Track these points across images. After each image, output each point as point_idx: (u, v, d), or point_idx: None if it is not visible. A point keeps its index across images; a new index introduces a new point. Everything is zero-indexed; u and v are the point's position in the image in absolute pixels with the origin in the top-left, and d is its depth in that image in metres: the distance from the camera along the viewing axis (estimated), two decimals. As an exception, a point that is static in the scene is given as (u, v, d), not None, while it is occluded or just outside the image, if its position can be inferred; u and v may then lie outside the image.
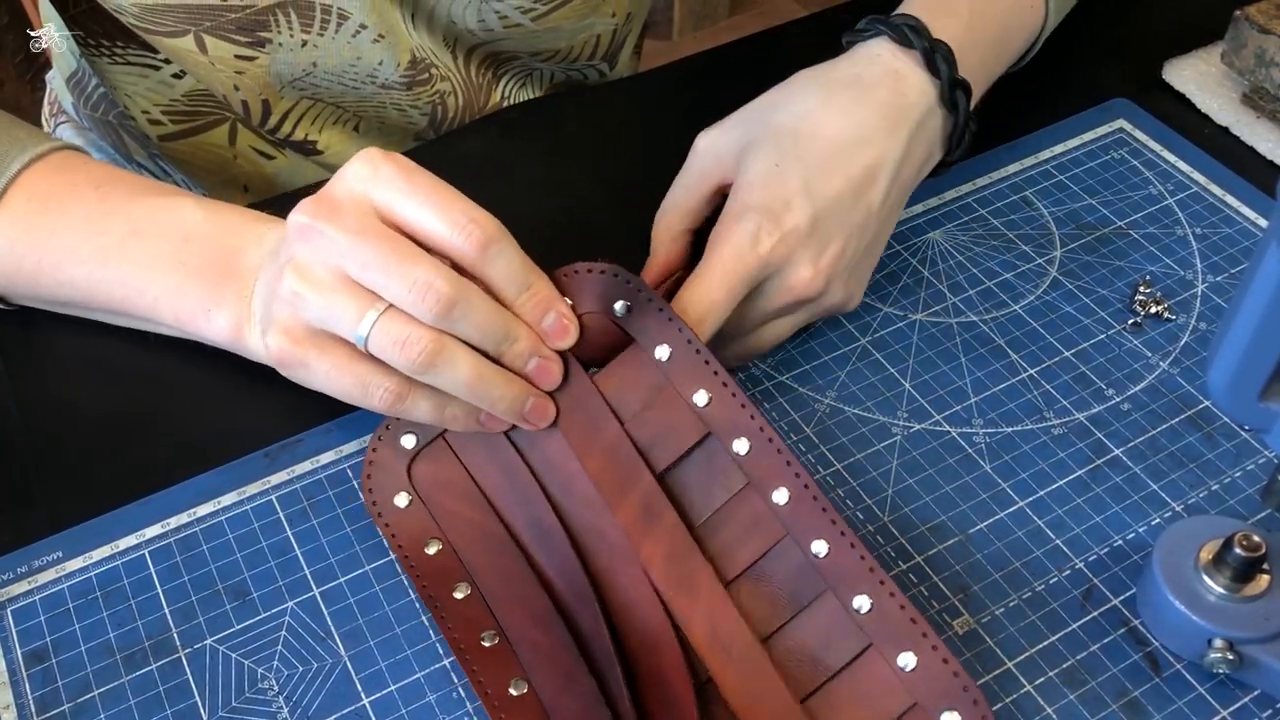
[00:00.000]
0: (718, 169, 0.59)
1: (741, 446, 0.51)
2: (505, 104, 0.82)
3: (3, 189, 0.58)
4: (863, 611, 0.47)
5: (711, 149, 0.59)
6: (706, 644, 0.49)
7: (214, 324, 0.57)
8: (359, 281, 0.48)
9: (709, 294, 0.54)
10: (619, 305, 0.53)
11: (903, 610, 0.47)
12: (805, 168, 0.56)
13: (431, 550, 0.53)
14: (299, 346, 0.50)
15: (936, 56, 0.59)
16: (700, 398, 0.52)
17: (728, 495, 0.51)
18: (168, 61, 0.74)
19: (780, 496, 0.50)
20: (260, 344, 0.56)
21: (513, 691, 0.48)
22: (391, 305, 0.48)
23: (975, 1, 0.63)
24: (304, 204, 0.49)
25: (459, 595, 0.51)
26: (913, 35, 0.59)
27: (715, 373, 0.52)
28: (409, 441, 0.55)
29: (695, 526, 0.51)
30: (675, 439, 0.52)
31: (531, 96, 0.84)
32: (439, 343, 0.48)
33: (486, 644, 0.50)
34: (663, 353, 0.53)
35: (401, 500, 0.54)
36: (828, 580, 0.48)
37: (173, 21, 0.66)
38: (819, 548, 0.49)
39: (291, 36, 0.68)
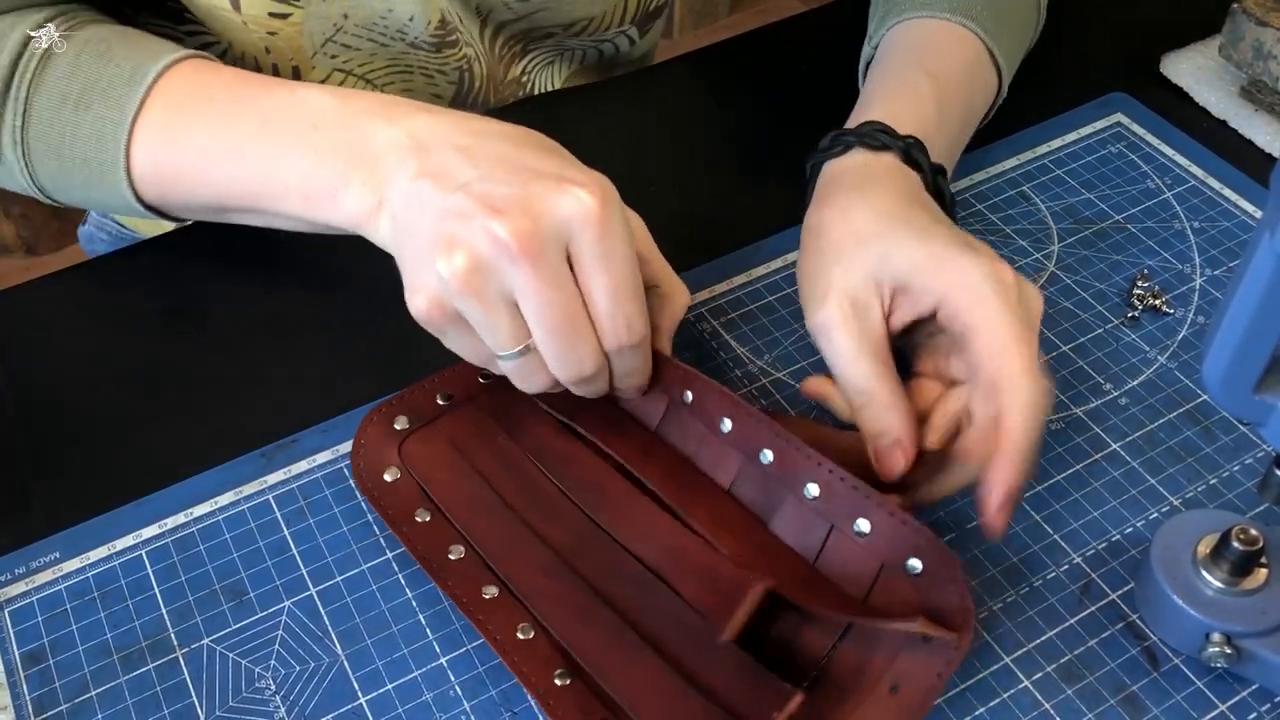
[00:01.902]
0: (873, 302, 0.54)
1: (689, 397, 0.54)
2: (526, 80, 0.82)
3: (142, 99, 0.60)
4: (815, 497, 0.50)
5: (847, 305, 0.54)
6: (711, 527, 0.51)
7: (341, 208, 0.55)
8: (523, 314, 0.50)
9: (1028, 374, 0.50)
10: None
11: (844, 482, 0.50)
12: (961, 239, 0.54)
13: (421, 519, 0.54)
14: (442, 320, 0.51)
15: (913, 151, 0.59)
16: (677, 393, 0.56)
17: (695, 442, 0.55)
18: (190, 34, 0.74)
19: (726, 425, 0.53)
20: (388, 233, 0.54)
21: (520, 636, 0.50)
22: (535, 349, 0.50)
23: (940, 95, 0.63)
24: (512, 217, 0.48)
25: (454, 557, 0.53)
26: (885, 138, 0.59)
27: (676, 366, 0.55)
28: (401, 423, 0.57)
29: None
30: (651, 411, 0.56)
31: (556, 76, 0.84)
32: (555, 386, 0.52)
33: (487, 596, 0.51)
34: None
35: (390, 475, 0.55)
36: (783, 481, 0.51)
37: None
38: (767, 456, 0.52)
39: None
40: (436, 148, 0.52)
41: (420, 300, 0.50)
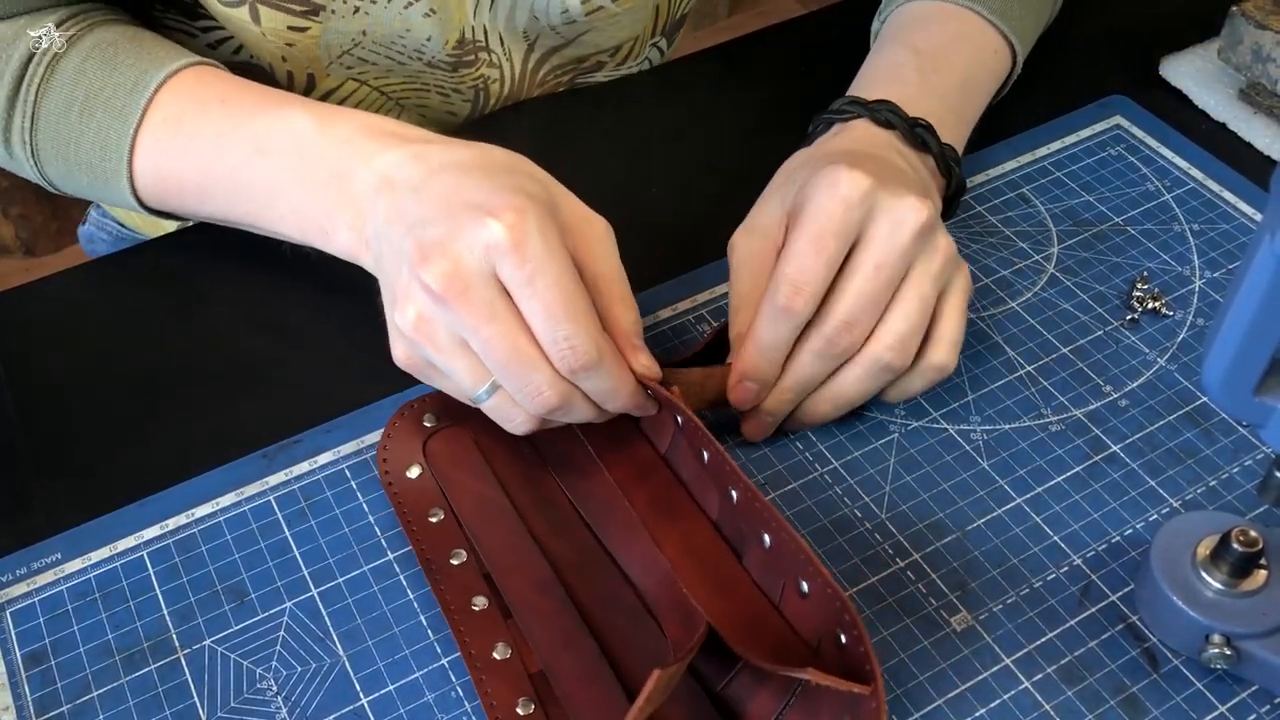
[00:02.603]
0: (777, 228, 0.57)
1: (680, 420, 0.54)
2: None
3: (142, 110, 0.61)
4: (769, 547, 0.50)
5: (758, 236, 0.57)
6: (677, 557, 0.51)
7: (332, 243, 0.58)
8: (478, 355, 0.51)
9: (802, 256, 0.53)
10: None
11: (788, 539, 0.49)
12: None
13: (434, 519, 0.54)
14: (418, 366, 0.54)
15: (883, 112, 0.60)
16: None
17: (690, 470, 0.55)
18: (205, 30, 0.74)
19: (705, 457, 0.53)
20: (374, 268, 0.56)
21: (496, 656, 0.50)
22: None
23: (921, 65, 0.65)
24: (431, 270, 0.48)
25: (455, 561, 0.53)
26: (853, 107, 0.60)
27: (658, 392, 0.54)
28: (430, 420, 0.58)
29: (687, 487, 0.56)
30: (662, 431, 0.56)
31: None
32: (538, 422, 0.53)
33: (476, 608, 0.52)
34: None
35: (413, 472, 0.56)
36: (747, 523, 0.51)
37: None
38: (735, 495, 0.52)
39: (345, 3, 0.68)
40: (400, 187, 0.53)
41: (397, 351, 0.53)
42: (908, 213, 0.53)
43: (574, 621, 0.51)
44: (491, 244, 0.48)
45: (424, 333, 0.50)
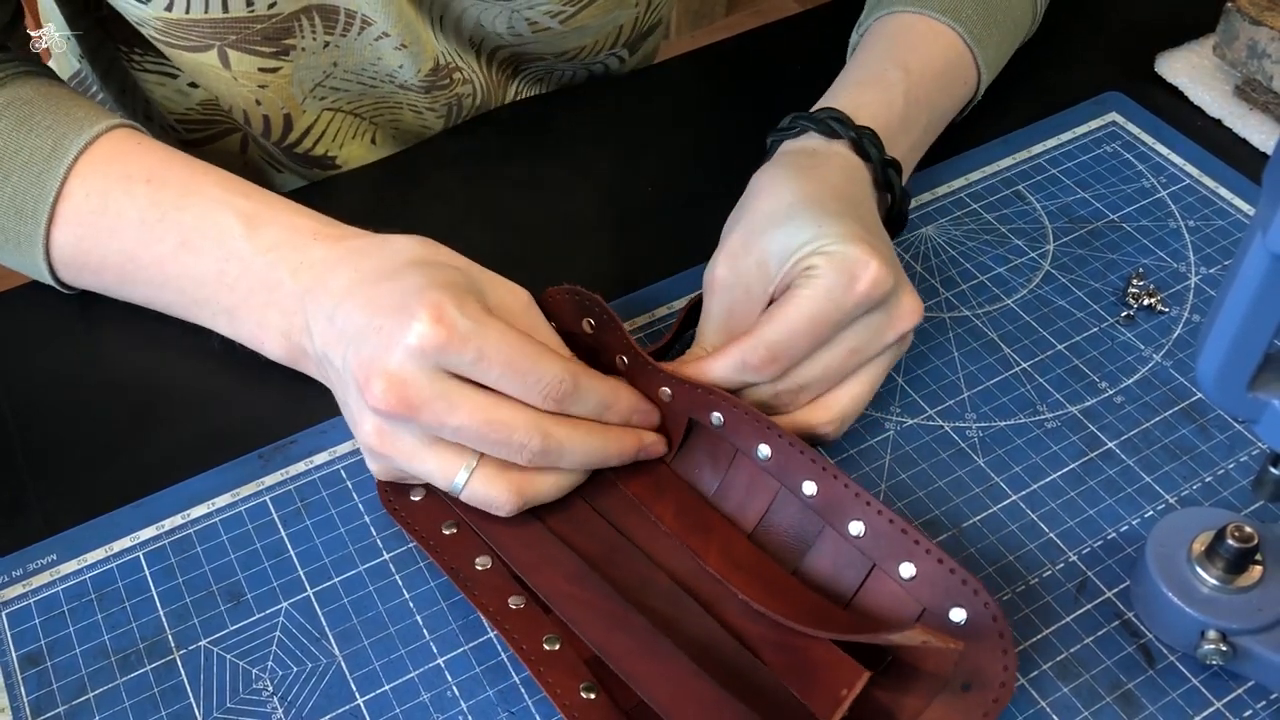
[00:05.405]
0: (760, 279, 0.55)
1: (717, 419, 0.53)
2: (520, 99, 0.82)
3: (63, 178, 0.59)
4: (859, 535, 0.50)
5: (740, 289, 0.55)
6: (723, 568, 0.51)
7: (266, 350, 0.58)
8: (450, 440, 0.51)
9: (793, 333, 0.52)
10: (585, 322, 0.56)
11: (892, 524, 0.49)
12: (849, 222, 0.55)
13: (449, 531, 0.54)
14: (396, 475, 0.54)
15: (864, 142, 0.60)
16: (664, 393, 0.55)
17: (725, 465, 0.54)
18: (184, 71, 0.74)
19: (764, 452, 0.52)
20: (322, 379, 0.57)
21: (547, 647, 0.50)
22: (480, 461, 0.51)
23: (910, 90, 0.64)
24: (374, 393, 0.49)
25: (480, 567, 0.53)
26: (838, 126, 0.60)
27: (661, 371, 0.54)
28: None
29: (708, 499, 0.55)
30: (671, 431, 0.55)
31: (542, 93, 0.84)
32: (521, 495, 0.52)
33: (514, 606, 0.51)
34: (621, 364, 0.56)
35: (417, 495, 0.55)
36: (823, 515, 0.51)
37: (197, 36, 0.66)
38: (809, 488, 0.51)
39: (314, 39, 0.68)
40: (324, 307, 0.53)
41: (371, 465, 0.54)
42: (906, 315, 0.54)
43: (618, 603, 0.51)
44: (422, 345, 0.48)
45: (388, 446, 0.51)
